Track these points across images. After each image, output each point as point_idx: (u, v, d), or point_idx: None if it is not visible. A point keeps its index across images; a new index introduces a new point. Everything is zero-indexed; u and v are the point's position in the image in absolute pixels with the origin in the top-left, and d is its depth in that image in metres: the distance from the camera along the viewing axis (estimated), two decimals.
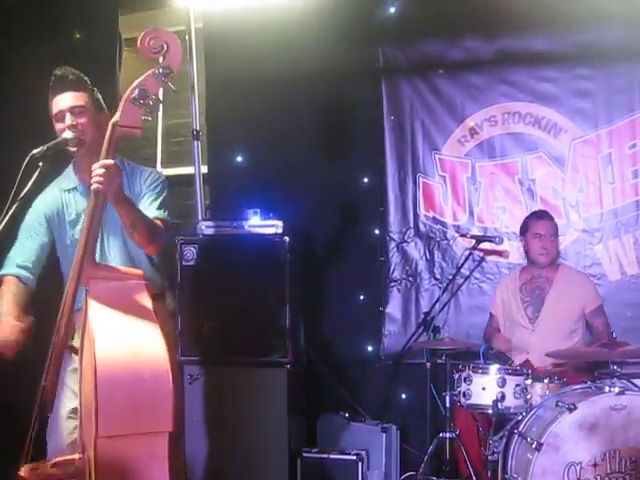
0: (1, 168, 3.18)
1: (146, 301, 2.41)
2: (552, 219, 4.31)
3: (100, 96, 2.94)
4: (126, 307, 2.35)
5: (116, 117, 2.43)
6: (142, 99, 2.39)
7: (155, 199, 2.93)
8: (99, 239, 2.88)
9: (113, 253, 2.92)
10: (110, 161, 2.41)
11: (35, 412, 2.52)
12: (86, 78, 2.89)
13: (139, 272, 2.58)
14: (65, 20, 4.59)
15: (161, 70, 2.39)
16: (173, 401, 2.15)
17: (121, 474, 2.09)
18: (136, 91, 2.39)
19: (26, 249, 2.93)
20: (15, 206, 2.43)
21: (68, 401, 2.85)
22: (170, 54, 2.41)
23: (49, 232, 2.96)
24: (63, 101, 2.81)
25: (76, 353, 2.70)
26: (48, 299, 2.68)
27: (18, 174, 2.44)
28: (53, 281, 2.94)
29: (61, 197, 2.96)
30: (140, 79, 2.41)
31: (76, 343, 2.68)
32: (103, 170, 2.38)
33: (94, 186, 2.39)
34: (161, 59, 2.40)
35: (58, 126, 2.82)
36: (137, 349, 2.21)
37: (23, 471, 2.39)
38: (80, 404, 2.52)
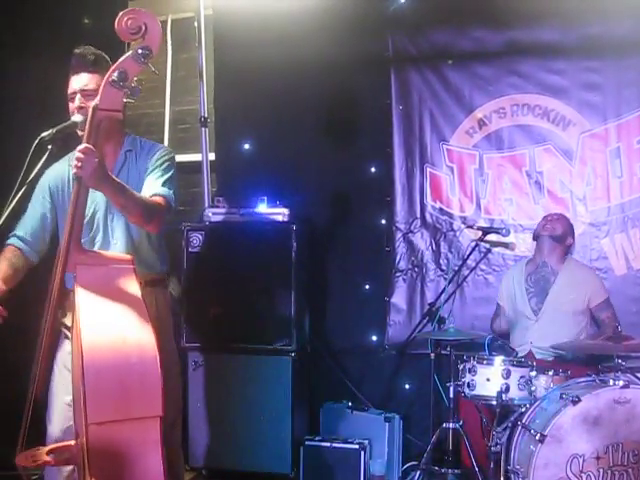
0: (9, 151, 3.18)
1: (133, 286, 2.37)
2: (562, 217, 4.35)
3: None
4: (113, 293, 2.32)
5: (96, 100, 2.38)
6: (122, 81, 2.32)
7: (160, 176, 2.89)
8: (103, 221, 2.90)
9: (116, 236, 2.91)
10: (84, 145, 2.35)
11: (30, 395, 2.51)
12: (107, 59, 2.85)
13: (127, 257, 2.53)
14: (74, 5, 4.58)
15: (140, 51, 2.32)
16: (162, 385, 2.13)
17: (114, 460, 2.08)
18: (115, 73, 2.33)
19: (28, 221, 2.95)
20: (23, 189, 2.43)
21: (66, 387, 2.84)
22: (149, 35, 2.32)
23: (52, 205, 2.97)
24: (76, 82, 2.83)
25: (69, 330, 2.71)
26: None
27: (26, 157, 2.43)
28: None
29: (68, 172, 2.93)
30: (119, 61, 2.34)
31: (68, 321, 2.68)
32: (78, 154, 2.34)
33: (73, 170, 2.37)
34: (140, 40, 2.33)
35: (70, 106, 2.83)
36: (124, 334, 2.18)
37: (19, 458, 2.38)
38: (73, 390, 2.51)
